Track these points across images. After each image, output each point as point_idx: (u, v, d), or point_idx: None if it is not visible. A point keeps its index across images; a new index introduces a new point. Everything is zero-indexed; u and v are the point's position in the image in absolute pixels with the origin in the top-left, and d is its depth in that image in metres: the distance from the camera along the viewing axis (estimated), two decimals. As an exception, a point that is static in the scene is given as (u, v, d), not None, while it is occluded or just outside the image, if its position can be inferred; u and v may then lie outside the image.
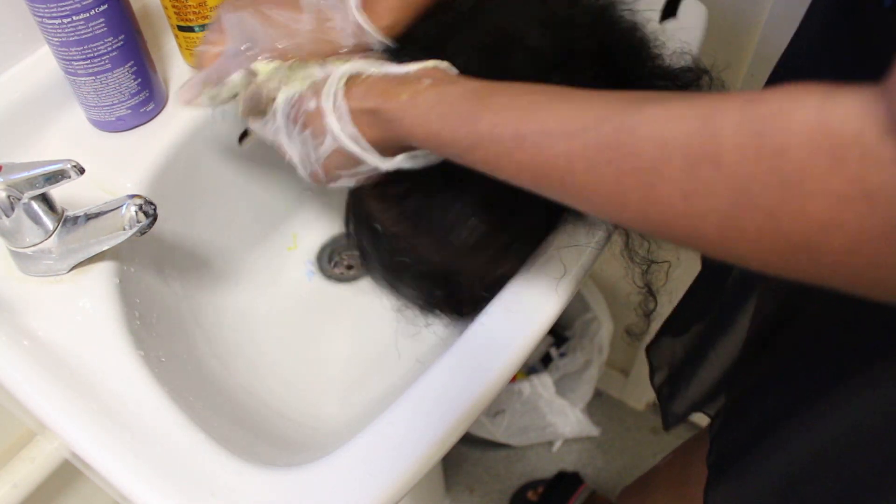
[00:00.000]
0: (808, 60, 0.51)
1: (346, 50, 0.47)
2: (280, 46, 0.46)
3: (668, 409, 0.68)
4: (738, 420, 0.56)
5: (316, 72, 0.44)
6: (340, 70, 0.42)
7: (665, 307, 0.74)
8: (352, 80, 0.42)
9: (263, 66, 0.46)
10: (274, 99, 0.45)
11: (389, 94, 0.40)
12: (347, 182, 0.45)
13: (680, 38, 0.61)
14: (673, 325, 0.70)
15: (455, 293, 0.54)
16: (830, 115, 0.23)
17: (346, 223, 0.58)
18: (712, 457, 0.59)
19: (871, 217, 0.22)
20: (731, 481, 0.54)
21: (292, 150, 0.45)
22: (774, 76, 0.57)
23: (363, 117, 0.41)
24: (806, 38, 0.52)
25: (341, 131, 0.41)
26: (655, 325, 0.82)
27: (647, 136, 0.28)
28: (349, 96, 0.41)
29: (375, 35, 0.46)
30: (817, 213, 0.23)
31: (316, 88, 0.43)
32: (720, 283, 0.61)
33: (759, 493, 0.52)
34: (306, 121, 0.43)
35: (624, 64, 0.52)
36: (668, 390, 0.68)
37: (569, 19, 0.52)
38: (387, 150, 0.41)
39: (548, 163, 0.32)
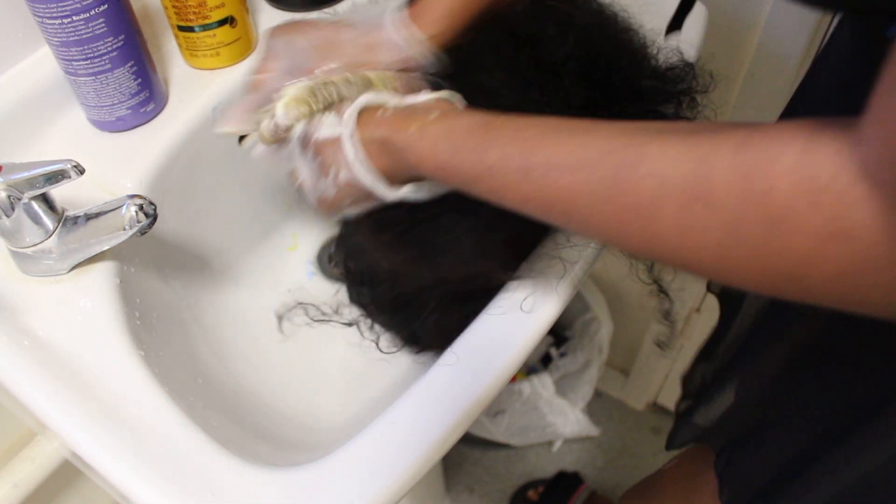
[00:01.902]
0: (825, 92, 0.51)
1: (391, 64, 0.47)
2: (326, 66, 0.47)
3: (677, 430, 0.68)
4: (751, 463, 0.56)
5: (334, 93, 0.45)
6: (357, 102, 0.43)
7: (677, 306, 0.74)
8: (366, 111, 0.43)
9: (289, 89, 0.46)
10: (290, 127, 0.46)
11: (399, 126, 0.41)
12: (351, 212, 0.46)
13: (680, 38, 0.61)
14: (706, 352, 0.69)
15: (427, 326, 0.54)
16: (811, 159, 0.25)
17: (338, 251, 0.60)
18: (726, 495, 0.59)
19: (850, 253, 0.24)
20: None
21: (304, 175, 0.46)
22: (791, 108, 0.57)
23: (374, 147, 0.42)
24: (825, 69, 0.52)
25: (355, 159, 0.42)
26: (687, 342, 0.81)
27: (646, 175, 0.29)
28: (362, 126, 0.42)
29: (422, 47, 0.46)
30: (800, 249, 0.25)
31: (328, 118, 0.44)
32: (747, 313, 0.61)
33: None
34: (318, 149, 0.44)
35: (619, 66, 0.52)
36: (684, 412, 0.68)
37: (568, 21, 0.52)
38: (394, 179, 0.42)
39: (552, 195, 0.33)
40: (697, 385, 0.69)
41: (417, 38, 0.46)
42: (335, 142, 0.43)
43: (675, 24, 0.59)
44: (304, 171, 0.46)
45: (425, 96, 0.43)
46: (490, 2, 0.47)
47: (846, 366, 0.47)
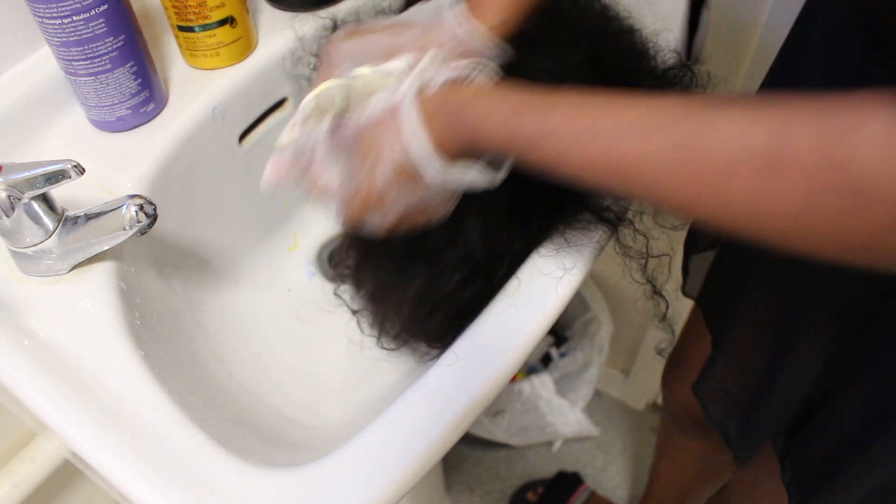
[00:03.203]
0: (810, 64, 0.51)
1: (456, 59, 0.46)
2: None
3: (741, 445, 0.67)
4: (813, 438, 0.56)
5: (372, 83, 0.44)
6: (418, 68, 0.42)
7: (674, 304, 0.74)
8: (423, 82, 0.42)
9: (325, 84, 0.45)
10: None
11: (457, 89, 0.40)
12: (380, 218, 0.43)
13: (679, 38, 0.61)
14: (713, 360, 0.69)
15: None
16: None
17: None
18: (788, 475, 0.59)
19: None
20: (824, 501, 0.54)
21: (331, 176, 0.44)
22: (771, 80, 0.57)
23: (430, 106, 0.40)
24: (806, 42, 0.52)
25: (413, 126, 0.40)
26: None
27: (723, 139, 0.29)
28: (420, 90, 0.41)
29: (485, 38, 0.45)
30: (880, 217, 0.26)
31: (378, 97, 0.43)
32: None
33: None
34: (362, 133, 0.42)
35: (619, 69, 0.52)
36: (734, 429, 0.67)
37: (579, 26, 0.52)
38: (448, 152, 0.40)
39: (618, 159, 0.33)
40: (720, 395, 0.68)
41: (479, 31, 0.45)
42: (385, 119, 0.41)
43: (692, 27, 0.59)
44: (332, 172, 0.44)
45: (475, 69, 0.42)
46: None
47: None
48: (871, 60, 0.43)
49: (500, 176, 0.42)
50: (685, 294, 0.72)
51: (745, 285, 0.61)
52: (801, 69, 0.52)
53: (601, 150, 0.33)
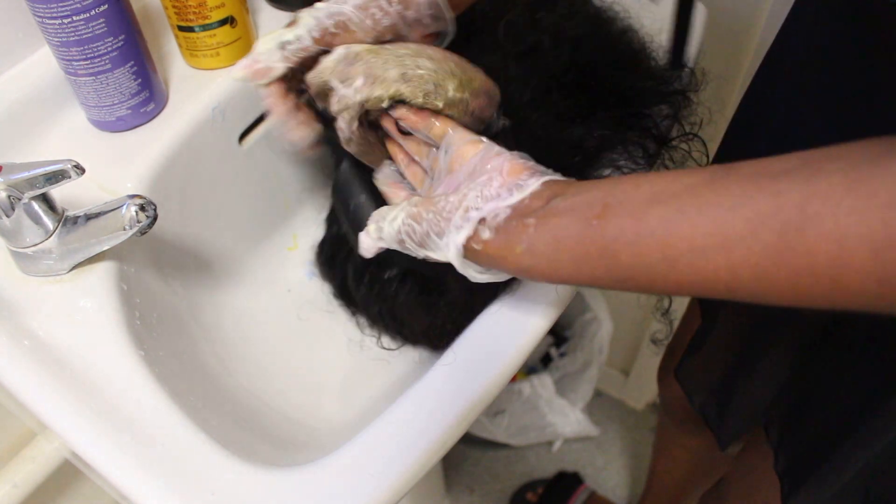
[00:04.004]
0: (802, 60, 0.51)
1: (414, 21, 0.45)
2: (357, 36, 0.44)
3: (721, 429, 0.67)
4: (803, 425, 0.56)
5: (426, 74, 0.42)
6: (458, 214, 0.38)
7: (678, 303, 0.74)
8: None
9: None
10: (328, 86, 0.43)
11: (507, 248, 0.37)
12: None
13: (667, 44, 0.61)
14: (698, 345, 0.69)
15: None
16: None
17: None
18: (781, 464, 0.59)
19: None
20: (812, 487, 0.55)
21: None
22: (761, 77, 0.57)
23: (484, 258, 0.38)
24: (796, 37, 0.52)
25: (460, 264, 0.39)
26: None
27: (819, 237, 0.27)
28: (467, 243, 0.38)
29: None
30: None
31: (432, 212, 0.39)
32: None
33: (841, 492, 0.52)
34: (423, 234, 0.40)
35: (612, 72, 0.53)
36: (714, 411, 0.68)
37: (560, 33, 0.53)
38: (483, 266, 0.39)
39: (709, 278, 0.31)
40: (701, 379, 0.69)
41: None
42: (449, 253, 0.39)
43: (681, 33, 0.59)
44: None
45: (514, 198, 0.37)
46: None
47: (886, 322, 0.47)
48: (862, 44, 0.43)
49: None
50: None
51: None
52: (793, 68, 0.52)
53: (685, 274, 0.31)
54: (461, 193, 0.38)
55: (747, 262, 0.29)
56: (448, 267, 0.40)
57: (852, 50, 0.44)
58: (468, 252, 0.38)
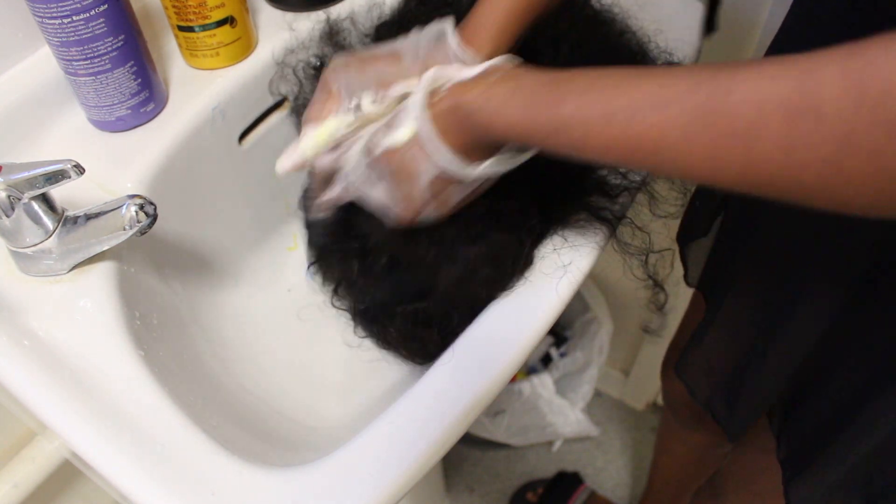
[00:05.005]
0: (804, 39, 0.51)
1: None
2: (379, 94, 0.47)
3: (730, 422, 0.68)
4: (805, 413, 0.57)
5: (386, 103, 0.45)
6: (423, 81, 0.43)
7: (678, 299, 0.74)
8: (432, 94, 0.43)
9: (328, 124, 0.47)
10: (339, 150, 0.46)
11: (463, 91, 0.40)
12: (435, 212, 0.45)
13: (679, 38, 0.61)
14: (700, 337, 0.69)
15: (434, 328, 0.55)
16: None
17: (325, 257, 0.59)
18: (783, 451, 0.59)
19: None
20: (815, 475, 0.55)
21: (378, 195, 0.46)
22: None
23: (441, 121, 0.41)
24: (793, 39, 0.52)
25: (428, 139, 0.41)
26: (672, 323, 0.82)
27: (742, 99, 0.29)
28: (430, 104, 0.42)
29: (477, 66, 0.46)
30: None
31: (389, 123, 0.44)
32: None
33: (843, 480, 0.53)
34: (388, 155, 0.43)
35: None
36: (722, 405, 0.68)
37: (564, 26, 0.53)
38: (472, 154, 0.42)
39: (639, 135, 0.33)
40: (704, 374, 0.69)
41: (473, 58, 0.46)
42: (407, 143, 0.42)
43: (710, 24, 0.59)
44: (378, 191, 0.45)
45: (482, 65, 0.42)
46: (534, 15, 0.47)
47: (892, 311, 0.47)
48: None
49: (529, 153, 0.43)
50: (688, 284, 0.72)
51: (737, 262, 0.61)
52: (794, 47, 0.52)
53: (620, 131, 0.33)
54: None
55: (677, 122, 0.31)
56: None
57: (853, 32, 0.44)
58: (432, 117, 0.41)
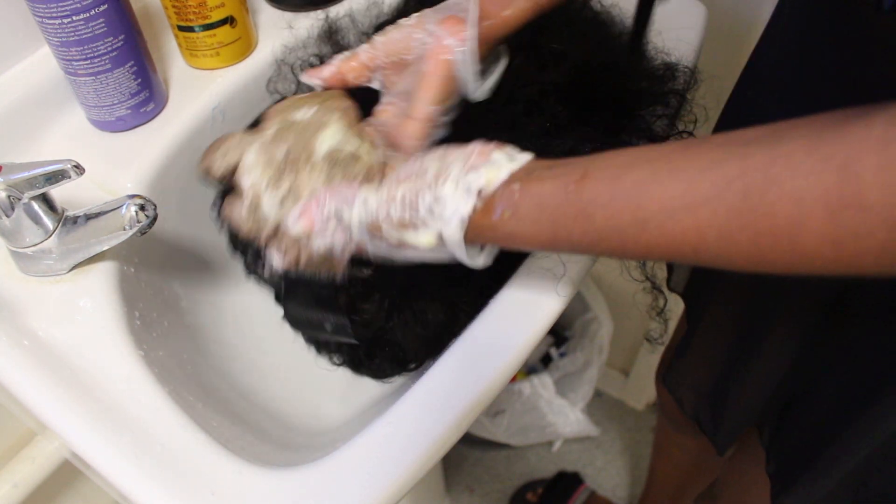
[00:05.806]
0: (782, 61, 0.51)
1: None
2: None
3: (716, 435, 0.67)
4: (792, 427, 0.57)
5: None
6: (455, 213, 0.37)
7: (679, 305, 0.74)
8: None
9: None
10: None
11: (489, 212, 0.37)
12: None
13: (679, 38, 0.61)
14: (684, 348, 0.69)
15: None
16: None
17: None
18: (772, 466, 0.59)
19: None
20: (801, 488, 0.55)
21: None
22: (745, 77, 0.57)
23: (471, 238, 0.38)
24: (778, 41, 0.52)
25: (456, 245, 0.38)
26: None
27: (779, 198, 0.28)
28: (462, 225, 0.37)
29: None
30: None
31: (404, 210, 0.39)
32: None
33: (829, 495, 0.53)
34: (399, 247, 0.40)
35: (609, 78, 0.53)
36: (708, 417, 0.68)
37: (563, 29, 0.53)
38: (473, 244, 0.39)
39: (677, 239, 0.32)
40: (692, 385, 0.69)
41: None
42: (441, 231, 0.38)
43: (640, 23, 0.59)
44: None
45: (513, 163, 0.37)
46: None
47: (871, 325, 0.47)
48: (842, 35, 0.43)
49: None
50: (670, 289, 0.72)
51: (718, 275, 0.61)
52: (775, 72, 0.52)
53: (655, 236, 0.32)
54: (440, 166, 0.38)
55: (713, 223, 0.30)
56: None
57: (832, 50, 0.44)
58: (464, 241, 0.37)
